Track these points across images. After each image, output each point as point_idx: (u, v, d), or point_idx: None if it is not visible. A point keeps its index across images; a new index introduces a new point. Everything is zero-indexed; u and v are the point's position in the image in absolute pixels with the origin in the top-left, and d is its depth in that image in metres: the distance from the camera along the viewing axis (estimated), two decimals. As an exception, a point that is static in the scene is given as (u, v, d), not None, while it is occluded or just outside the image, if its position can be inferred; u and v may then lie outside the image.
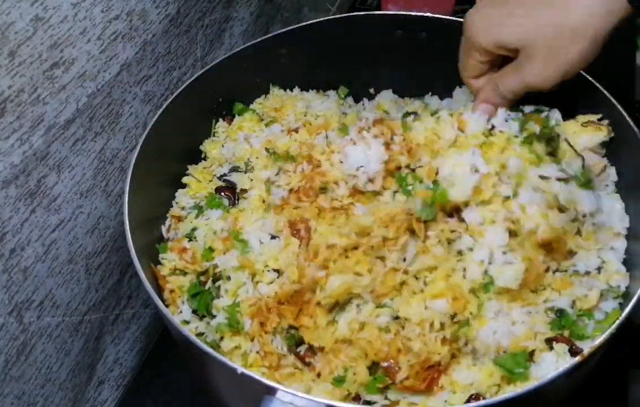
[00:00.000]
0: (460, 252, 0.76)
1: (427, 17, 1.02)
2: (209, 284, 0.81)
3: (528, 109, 0.86)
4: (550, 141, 0.81)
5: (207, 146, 0.97)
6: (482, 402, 0.62)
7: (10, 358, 0.74)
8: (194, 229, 0.87)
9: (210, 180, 0.93)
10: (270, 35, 1.04)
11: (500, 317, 0.75)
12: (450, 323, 0.73)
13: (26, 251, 0.74)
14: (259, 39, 1.02)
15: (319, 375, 0.74)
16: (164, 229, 0.88)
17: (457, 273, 0.75)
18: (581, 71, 0.91)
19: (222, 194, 0.89)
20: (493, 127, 0.82)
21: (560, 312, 0.77)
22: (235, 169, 0.92)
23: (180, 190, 0.93)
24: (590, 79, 0.90)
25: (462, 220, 0.77)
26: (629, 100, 1.22)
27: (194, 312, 0.81)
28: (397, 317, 0.74)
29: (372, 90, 1.08)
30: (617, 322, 0.68)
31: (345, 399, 0.72)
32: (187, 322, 0.80)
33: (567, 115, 0.96)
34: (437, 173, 0.78)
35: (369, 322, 0.73)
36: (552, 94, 0.96)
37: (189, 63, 1.03)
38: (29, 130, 0.72)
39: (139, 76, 0.90)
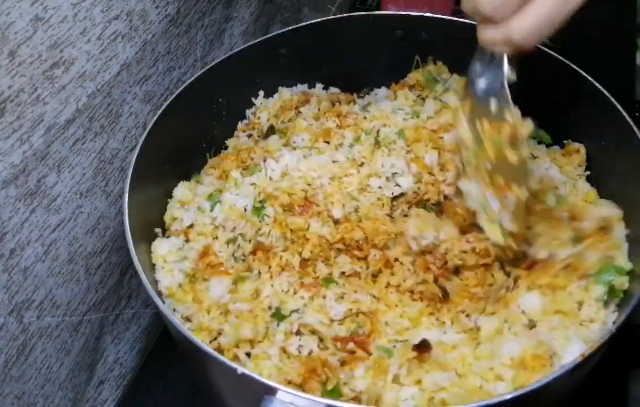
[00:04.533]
0: None
1: (427, 17, 1.02)
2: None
3: None
4: None
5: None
6: (482, 402, 0.62)
7: (10, 358, 0.74)
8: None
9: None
10: (270, 35, 1.04)
11: None
12: None
13: (26, 251, 0.74)
14: (259, 39, 1.02)
15: None
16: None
17: None
18: (581, 71, 0.91)
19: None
20: None
21: None
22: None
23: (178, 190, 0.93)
24: (590, 79, 0.90)
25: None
26: (629, 100, 1.22)
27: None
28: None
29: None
30: (618, 321, 0.68)
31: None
32: (188, 320, 0.80)
33: (567, 115, 0.96)
34: None
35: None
36: (552, 94, 0.97)
37: (189, 63, 1.03)
38: (28, 130, 0.72)
39: (139, 76, 0.90)
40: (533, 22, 0.66)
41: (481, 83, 0.76)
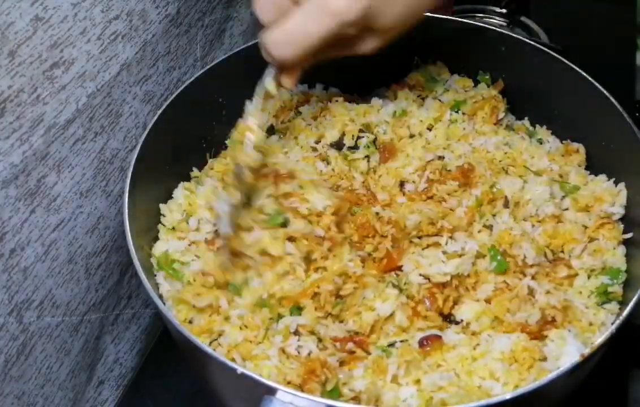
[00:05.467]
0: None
1: (427, 17, 1.02)
2: None
3: None
4: None
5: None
6: (482, 402, 0.62)
7: (10, 358, 0.74)
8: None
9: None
10: (270, 35, 1.04)
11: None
12: None
13: (26, 251, 0.74)
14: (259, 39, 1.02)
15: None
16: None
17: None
18: (581, 71, 0.91)
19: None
20: None
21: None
22: None
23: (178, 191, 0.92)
24: (590, 79, 0.90)
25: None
26: (629, 100, 1.22)
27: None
28: None
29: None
30: (617, 322, 0.68)
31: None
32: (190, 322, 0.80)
33: (567, 115, 0.96)
34: None
35: None
36: (552, 94, 0.97)
37: (189, 63, 1.03)
38: (28, 130, 0.72)
39: (139, 76, 0.90)
40: (282, 34, 0.71)
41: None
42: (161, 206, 0.89)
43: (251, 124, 0.80)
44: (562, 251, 0.83)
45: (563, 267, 0.80)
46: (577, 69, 0.91)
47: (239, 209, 0.80)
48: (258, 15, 0.74)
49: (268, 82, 0.78)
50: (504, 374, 0.70)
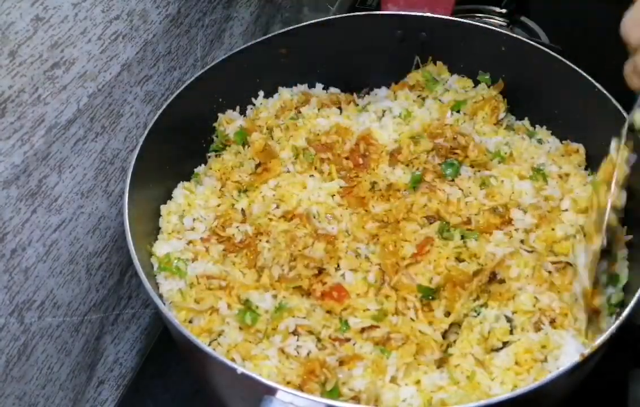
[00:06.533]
0: None
1: (427, 17, 1.02)
2: None
3: None
4: None
5: None
6: (482, 402, 0.62)
7: (12, 358, 0.74)
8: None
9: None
10: (270, 35, 1.04)
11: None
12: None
13: (27, 251, 0.74)
14: (259, 39, 1.02)
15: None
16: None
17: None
18: (581, 71, 0.91)
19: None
20: None
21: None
22: None
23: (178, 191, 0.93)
24: (590, 79, 0.90)
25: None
26: (629, 100, 1.22)
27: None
28: None
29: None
30: (617, 322, 0.69)
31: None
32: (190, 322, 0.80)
33: (567, 115, 0.96)
34: None
35: None
36: (552, 94, 0.97)
37: (189, 63, 1.03)
38: (29, 130, 0.72)
39: (140, 76, 0.90)
40: None
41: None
42: (161, 207, 0.89)
43: (618, 161, 0.72)
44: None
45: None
46: (577, 69, 0.91)
47: (597, 256, 0.73)
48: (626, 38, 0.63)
49: (637, 113, 0.70)
50: (502, 373, 0.70)
